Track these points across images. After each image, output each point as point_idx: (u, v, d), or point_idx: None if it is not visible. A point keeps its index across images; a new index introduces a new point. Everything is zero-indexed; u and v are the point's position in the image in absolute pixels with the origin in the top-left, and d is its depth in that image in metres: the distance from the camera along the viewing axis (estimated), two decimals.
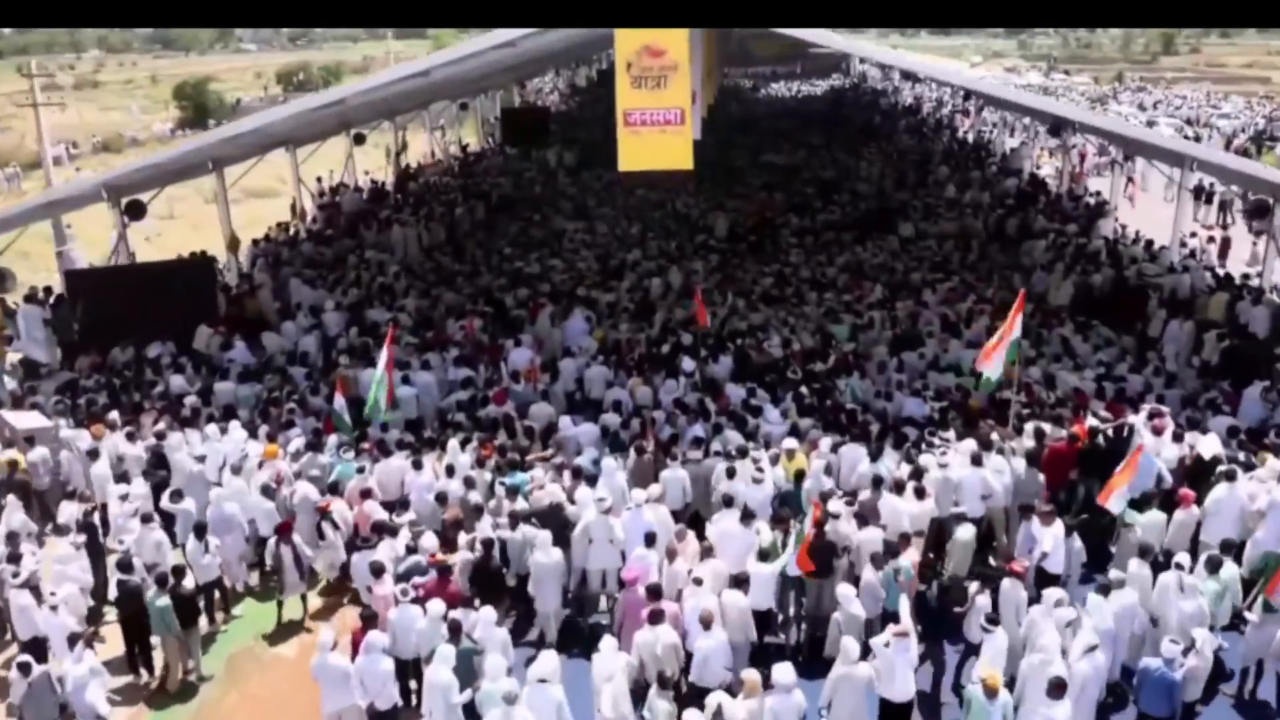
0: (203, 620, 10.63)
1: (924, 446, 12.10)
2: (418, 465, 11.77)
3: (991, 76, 70.83)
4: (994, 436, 11.90)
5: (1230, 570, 9.57)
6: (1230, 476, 10.78)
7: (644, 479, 11.54)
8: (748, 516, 10.30)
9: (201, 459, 12.39)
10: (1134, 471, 10.24)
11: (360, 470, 11.87)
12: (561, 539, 10.43)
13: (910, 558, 9.77)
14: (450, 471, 11.57)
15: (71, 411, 13.95)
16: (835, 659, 8.57)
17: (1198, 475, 11.50)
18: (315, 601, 11.52)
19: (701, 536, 10.40)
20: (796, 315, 17.87)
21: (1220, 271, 21.03)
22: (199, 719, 9.86)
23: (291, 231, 24.62)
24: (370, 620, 9.04)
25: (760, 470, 11.16)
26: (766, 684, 8.10)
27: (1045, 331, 16.70)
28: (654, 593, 9.15)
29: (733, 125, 38.06)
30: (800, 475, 11.29)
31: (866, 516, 10.38)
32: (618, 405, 13.61)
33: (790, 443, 11.80)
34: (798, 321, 17.49)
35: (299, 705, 9.55)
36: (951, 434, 12.48)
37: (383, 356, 12.77)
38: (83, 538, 10.87)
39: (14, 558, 10.12)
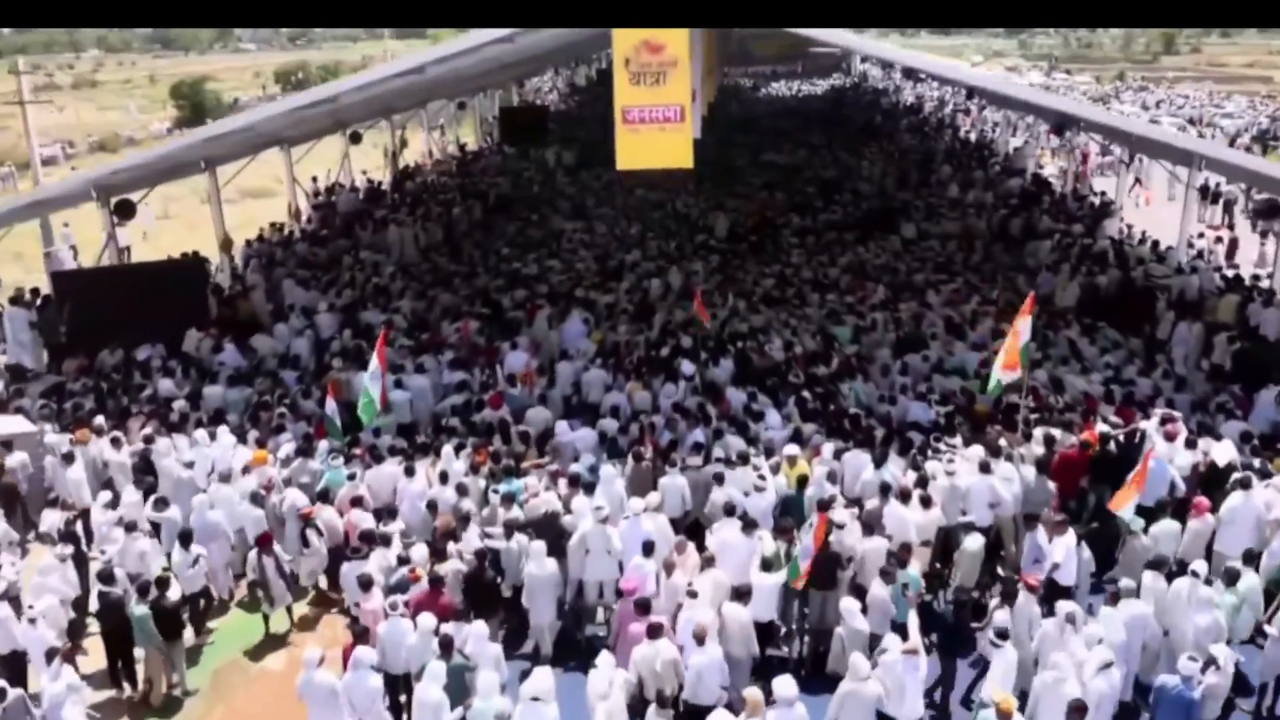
0: (188, 632, 10.32)
1: (930, 453, 11.81)
2: (410, 472, 11.46)
3: (992, 76, 70.51)
4: (1002, 443, 11.59)
5: (1249, 581, 9.26)
6: (1245, 484, 10.50)
7: (642, 487, 11.21)
8: (750, 525, 9.99)
9: (190, 465, 12.08)
10: (1146, 479, 9.95)
11: (351, 477, 11.55)
12: (557, 549, 10.13)
13: (915, 569, 9.48)
14: (444, 478, 11.26)
15: (57, 416, 13.67)
16: (838, 673, 8.27)
17: (1211, 483, 11.20)
18: (303, 610, 11.20)
19: (702, 546, 10.09)
20: (798, 317, 17.58)
21: (1229, 273, 20.73)
22: None
23: (285, 232, 24.31)
24: (361, 636, 8.74)
25: (762, 478, 10.85)
26: (769, 699, 7.80)
27: (1051, 333, 16.39)
28: (643, 608, 8.83)
29: (733, 124, 37.81)
30: (803, 481, 10.99)
31: (872, 525, 10.08)
32: (615, 410, 13.29)
33: (792, 449, 11.49)
34: (799, 323, 17.20)
35: None
36: (958, 440, 12.18)
37: (375, 360, 12.47)
38: (70, 549, 10.56)
39: None
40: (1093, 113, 23.82)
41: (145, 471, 12.29)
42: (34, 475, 12.57)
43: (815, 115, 44.66)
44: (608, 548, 10.03)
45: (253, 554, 10.43)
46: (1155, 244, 21.87)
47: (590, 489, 10.87)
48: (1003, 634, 8.42)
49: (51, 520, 11.00)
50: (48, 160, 44.59)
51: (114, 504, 11.34)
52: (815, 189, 27.44)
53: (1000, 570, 11.04)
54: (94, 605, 10.01)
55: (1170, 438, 11.70)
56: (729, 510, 10.21)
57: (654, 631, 8.56)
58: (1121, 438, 11.87)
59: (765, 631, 9.56)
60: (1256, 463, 11.46)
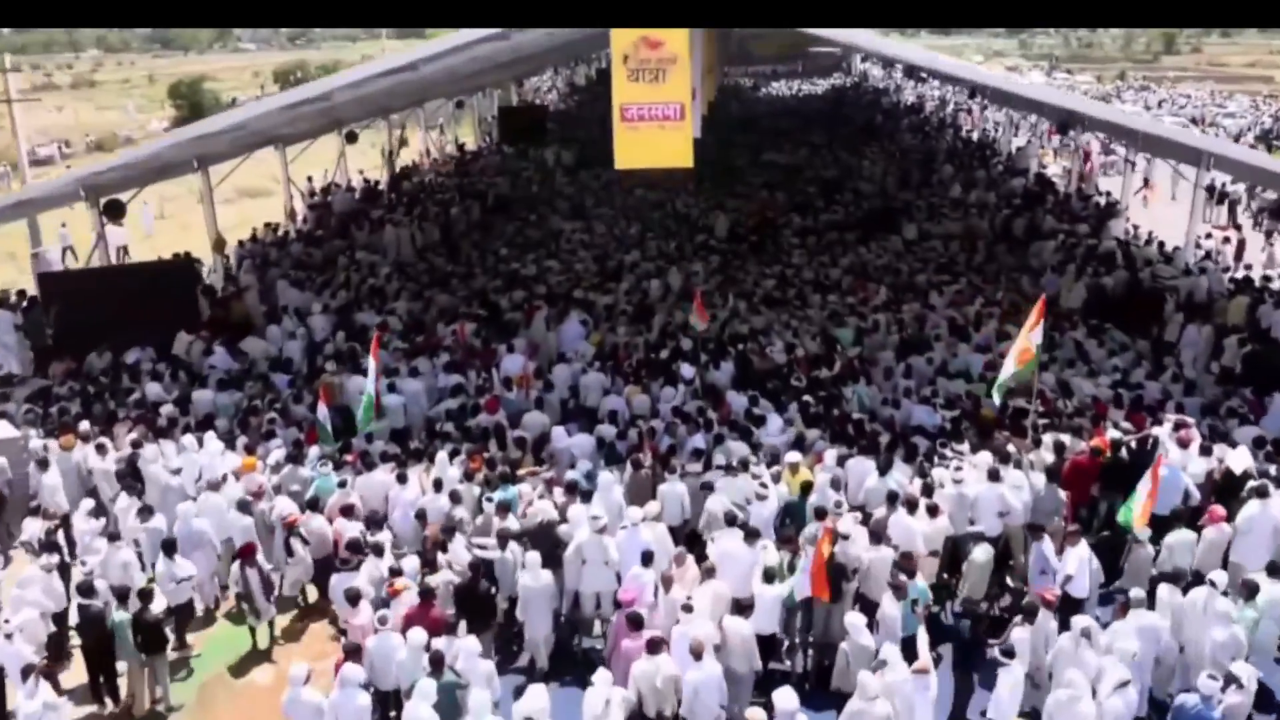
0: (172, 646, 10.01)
1: (936, 460, 11.49)
2: (402, 479, 11.13)
3: (996, 75, 70.18)
4: (1011, 449, 11.27)
5: (1269, 594, 8.93)
6: (1262, 493, 10.15)
7: (641, 495, 10.90)
8: (752, 535, 9.68)
9: (177, 471, 11.75)
10: (1158, 488, 9.63)
11: (341, 485, 11.23)
12: (553, 559, 9.81)
13: (922, 580, 9.16)
14: (438, 486, 10.94)
15: (43, 421, 13.35)
16: (843, 688, 7.96)
17: (1226, 490, 10.88)
18: (290, 622, 10.88)
19: (702, 556, 9.77)
20: (799, 319, 17.27)
21: (1239, 274, 20.41)
22: None
23: (280, 232, 23.99)
24: (353, 653, 8.42)
25: (764, 486, 10.53)
26: (770, 714, 7.50)
27: (1057, 335, 16.06)
28: (635, 623, 8.52)
29: (733, 124, 37.49)
30: (807, 488, 10.66)
31: (878, 535, 9.76)
32: (614, 415, 12.97)
33: (794, 455, 11.17)
34: (801, 325, 16.89)
35: None
36: (965, 446, 11.85)
37: (371, 366, 12.18)
38: (55, 559, 10.25)
39: None
40: (1100, 110, 23.44)
41: (132, 478, 11.99)
42: (17, 482, 12.25)
43: (816, 115, 44.32)
44: (605, 558, 9.72)
45: (235, 566, 10.10)
46: (1162, 245, 21.54)
47: (587, 497, 10.52)
48: (1008, 652, 8.11)
49: (33, 529, 10.68)
50: (44, 160, 44.36)
51: (97, 513, 11.03)
52: (816, 189, 27.13)
53: (1010, 581, 10.74)
54: (74, 619, 9.70)
55: (1184, 444, 11.38)
56: (730, 520, 9.89)
57: (654, 647, 8.26)
58: (1134, 444, 11.54)
59: (767, 645, 9.25)
60: (1273, 469, 11.14)
